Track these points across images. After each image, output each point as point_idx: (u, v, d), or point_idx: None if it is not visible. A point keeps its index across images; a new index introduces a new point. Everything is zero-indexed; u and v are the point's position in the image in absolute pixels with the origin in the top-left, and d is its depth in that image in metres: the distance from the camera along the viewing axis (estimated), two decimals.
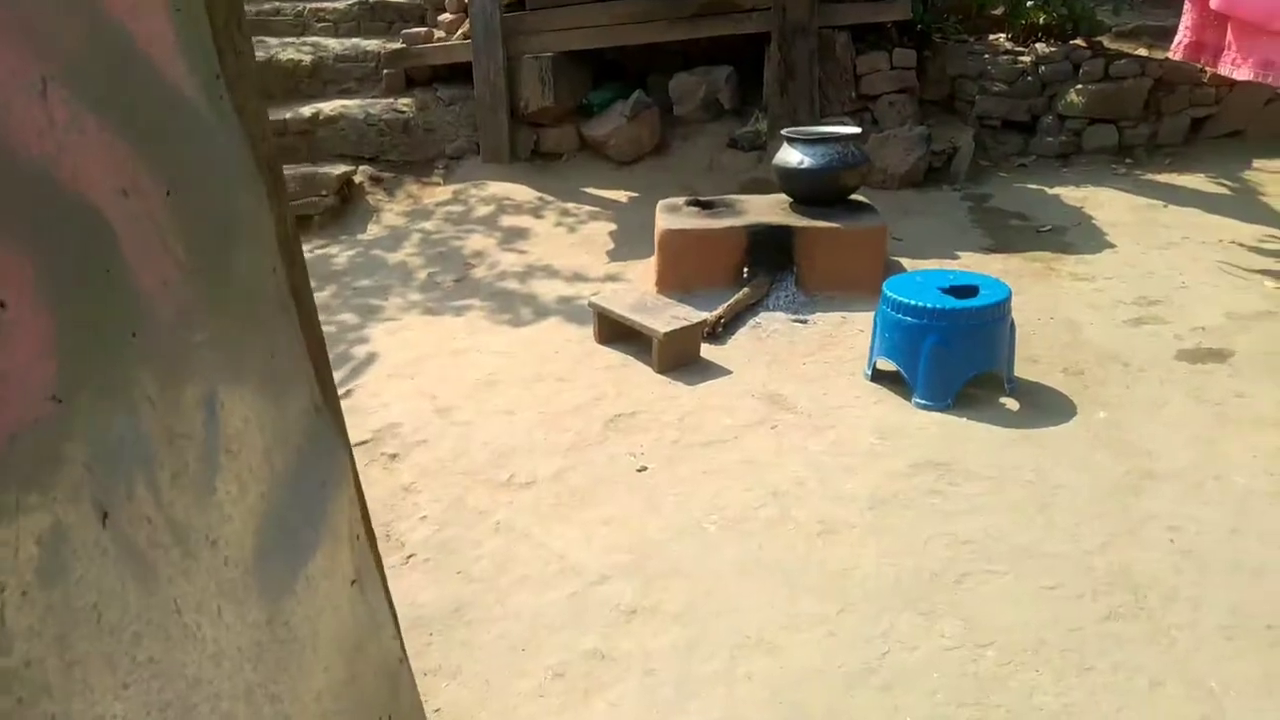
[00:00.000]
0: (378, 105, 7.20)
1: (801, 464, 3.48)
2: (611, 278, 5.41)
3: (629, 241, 5.85)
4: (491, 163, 7.07)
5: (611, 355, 4.47)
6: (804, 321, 4.69)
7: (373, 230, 6.42)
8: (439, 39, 7.33)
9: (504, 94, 6.94)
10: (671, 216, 5.08)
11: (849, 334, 4.56)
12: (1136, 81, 6.84)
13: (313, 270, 6.01)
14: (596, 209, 6.44)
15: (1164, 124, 6.88)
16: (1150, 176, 6.52)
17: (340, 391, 4.35)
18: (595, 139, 7.03)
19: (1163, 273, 5.02)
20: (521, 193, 6.70)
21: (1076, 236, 5.65)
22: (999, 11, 7.57)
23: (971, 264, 5.31)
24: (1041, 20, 7.15)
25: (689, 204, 5.23)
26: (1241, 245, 5.32)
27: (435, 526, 3.25)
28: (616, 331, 4.52)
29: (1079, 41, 7.13)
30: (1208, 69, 4.75)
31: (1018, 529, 3.05)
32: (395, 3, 7.75)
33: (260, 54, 7.32)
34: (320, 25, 7.78)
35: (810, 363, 4.30)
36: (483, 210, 6.47)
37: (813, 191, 5.05)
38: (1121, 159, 6.86)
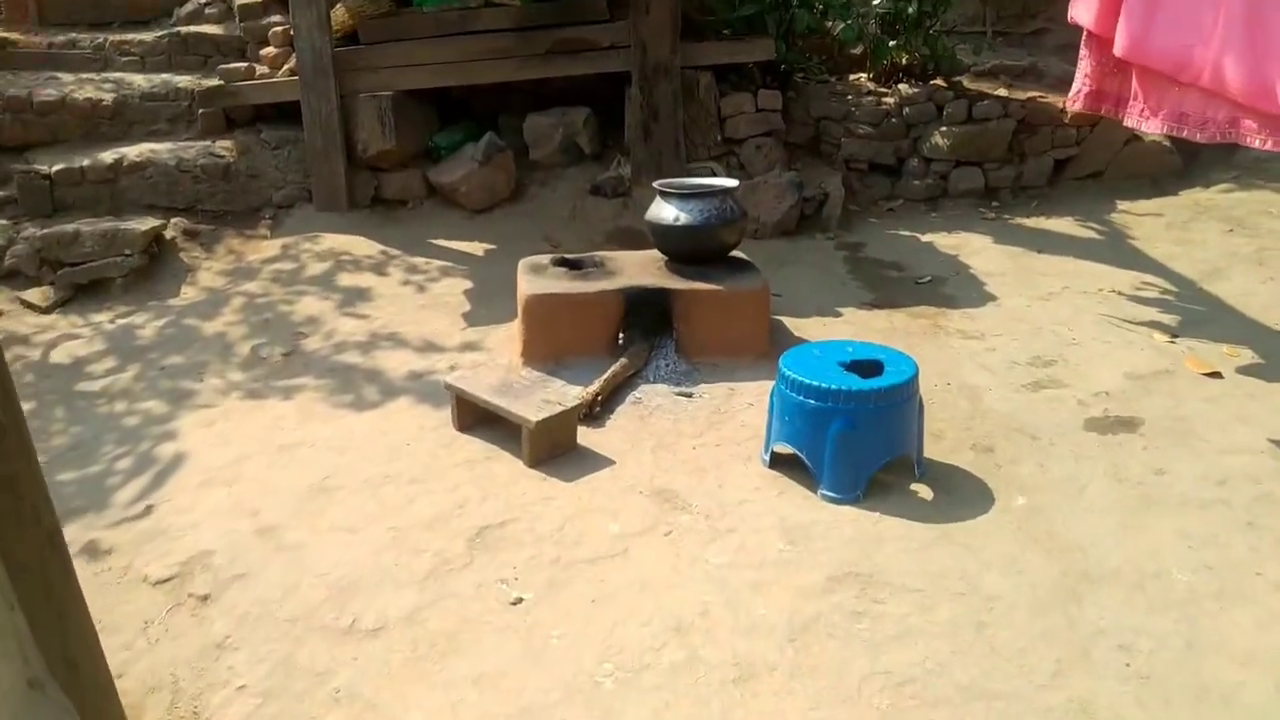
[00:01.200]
0: (192, 149, 6.37)
1: (705, 582, 2.98)
2: (470, 346, 4.81)
3: (487, 301, 5.26)
4: (327, 212, 6.34)
5: (474, 445, 3.87)
6: (689, 395, 4.22)
7: (187, 294, 5.59)
8: (262, 75, 6.57)
9: (339, 136, 6.24)
10: (536, 279, 4.53)
11: (738, 408, 4.11)
12: (1000, 123, 6.76)
13: (115, 346, 5.16)
14: (448, 264, 5.82)
15: (1028, 165, 6.82)
16: (1019, 220, 6.41)
17: (140, 508, 3.60)
18: (444, 185, 6.41)
19: (1050, 328, 4.81)
20: (362, 246, 6.01)
21: (957, 288, 5.42)
22: (859, 51, 7.41)
23: (855, 321, 4.99)
24: (904, 60, 7.00)
25: (555, 263, 4.69)
26: (1121, 294, 5.19)
27: (256, 699, 2.57)
28: (479, 415, 3.93)
29: (940, 81, 7.02)
30: (1111, 118, 4.55)
31: (958, 660, 2.63)
32: (211, 35, 6.93)
33: (52, 92, 6.38)
34: (125, 60, 6.87)
35: (700, 446, 3.82)
36: (317, 268, 5.74)
37: (690, 250, 4.61)
38: (988, 202, 6.75)
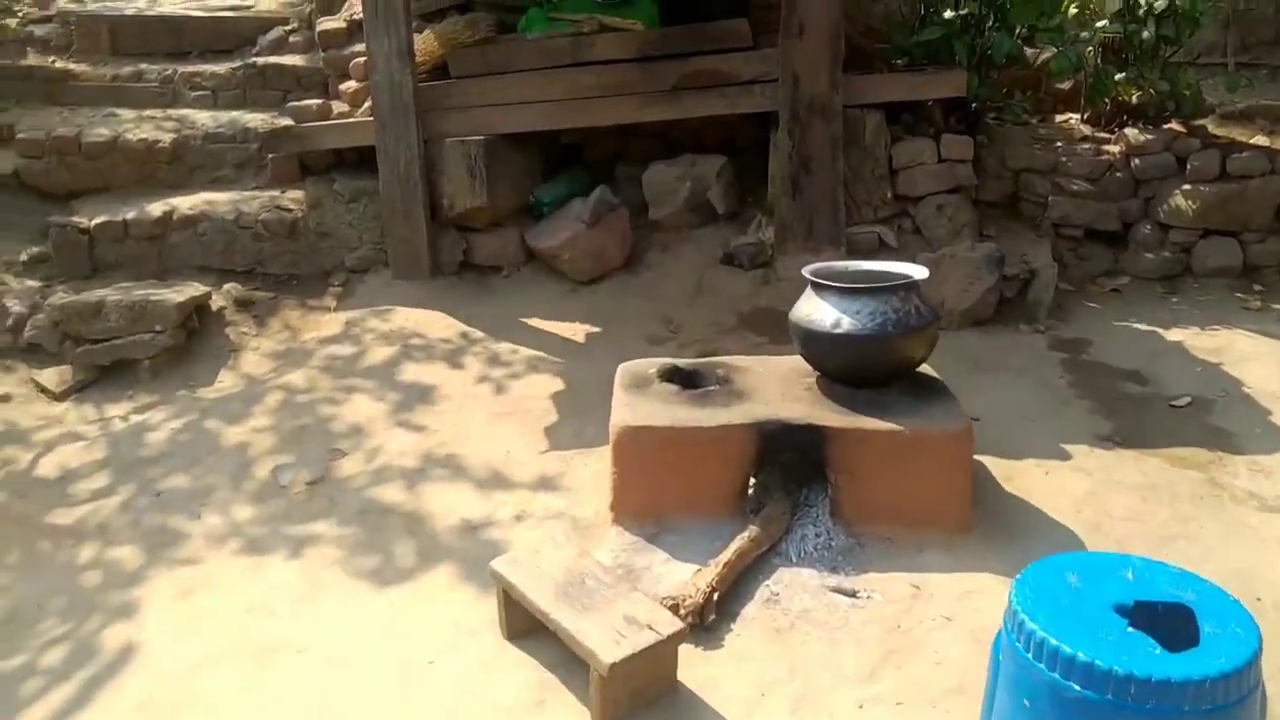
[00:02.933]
0: (256, 200, 5.41)
1: None
2: (546, 484, 3.57)
3: (578, 413, 4.02)
4: (405, 280, 5.26)
5: (523, 672, 2.61)
6: (851, 595, 2.85)
7: (223, 382, 4.57)
8: (340, 114, 5.58)
9: (420, 189, 5.16)
10: (636, 401, 3.25)
11: (928, 625, 2.71)
12: (1264, 181, 5.12)
13: (115, 454, 4.04)
14: (538, 354, 4.62)
15: None
16: None
17: None
18: (545, 250, 5.23)
19: None
20: (438, 325, 4.88)
21: (1230, 417, 3.85)
22: (1069, 85, 5.88)
23: (1091, 469, 3.50)
24: (1132, 98, 5.44)
25: (663, 376, 3.40)
26: None
27: None
28: (536, 619, 2.66)
29: (1178, 126, 5.42)
30: None
31: None
32: (291, 67, 6.00)
33: (104, 132, 5.55)
34: (194, 95, 6.02)
35: (872, 704, 2.44)
36: (379, 353, 4.63)
37: (856, 368, 3.24)
38: (1249, 285, 5.11)
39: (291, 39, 6.21)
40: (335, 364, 4.57)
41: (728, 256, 5.22)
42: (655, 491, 3.16)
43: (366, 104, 5.41)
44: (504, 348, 4.68)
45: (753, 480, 3.19)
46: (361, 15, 5.61)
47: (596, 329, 4.87)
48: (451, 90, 5.20)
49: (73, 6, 6.65)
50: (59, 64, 6.12)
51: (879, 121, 5.16)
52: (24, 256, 5.20)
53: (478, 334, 4.82)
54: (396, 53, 4.96)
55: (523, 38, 5.28)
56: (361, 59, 5.56)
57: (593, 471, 3.56)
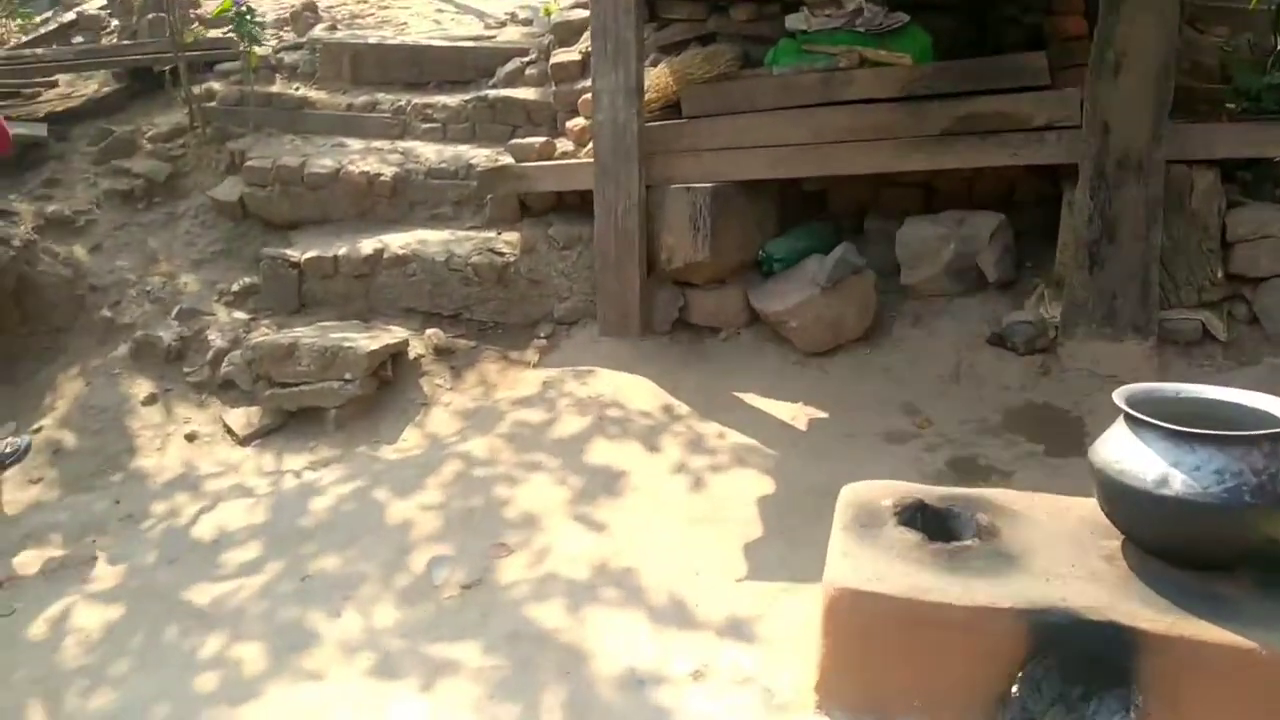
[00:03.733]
0: (469, 242, 5.04)
1: None
2: (735, 630, 2.83)
3: (788, 531, 3.25)
4: (613, 336, 4.69)
5: None
6: None
7: (406, 441, 4.18)
8: (564, 153, 5.12)
9: (637, 239, 4.58)
10: (862, 548, 2.44)
11: None
12: None
13: (275, 520, 3.49)
14: (750, 441, 3.89)
15: None
16: None
17: None
18: (771, 314, 4.50)
19: None
20: (641, 394, 4.27)
21: None
22: None
23: None
24: None
25: (901, 517, 2.57)
26: None
27: None
28: None
29: None
30: None
31: None
32: (523, 101, 5.63)
33: (328, 163, 5.38)
34: (424, 127, 5.78)
35: None
36: (571, 424, 4.06)
37: (1189, 545, 2.27)
38: None
39: (528, 71, 5.85)
40: (523, 431, 4.04)
41: (997, 336, 4.28)
42: (877, 680, 2.33)
43: (589, 147, 4.91)
44: (710, 429, 3.99)
45: (1016, 683, 2.30)
46: None
47: (823, 414, 4.08)
48: (682, 131, 4.59)
49: (323, 34, 6.67)
50: (300, 91, 6.08)
51: (1211, 182, 4.05)
52: (236, 286, 5.09)
53: (683, 409, 4.16)
54: (623, 90, 4.41)
55: (768, 73, 4.59)
56: (588, 95, 5.08)
57: (798, 620, 2.78)
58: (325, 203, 5.35)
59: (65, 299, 4.95)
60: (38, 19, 8.10)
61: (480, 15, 7.17)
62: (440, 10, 7.39)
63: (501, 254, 4.97)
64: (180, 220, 5.50)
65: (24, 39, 7.48)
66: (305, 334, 4.54)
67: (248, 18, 5.71)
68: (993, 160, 4.29)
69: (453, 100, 5.82)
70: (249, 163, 5.43)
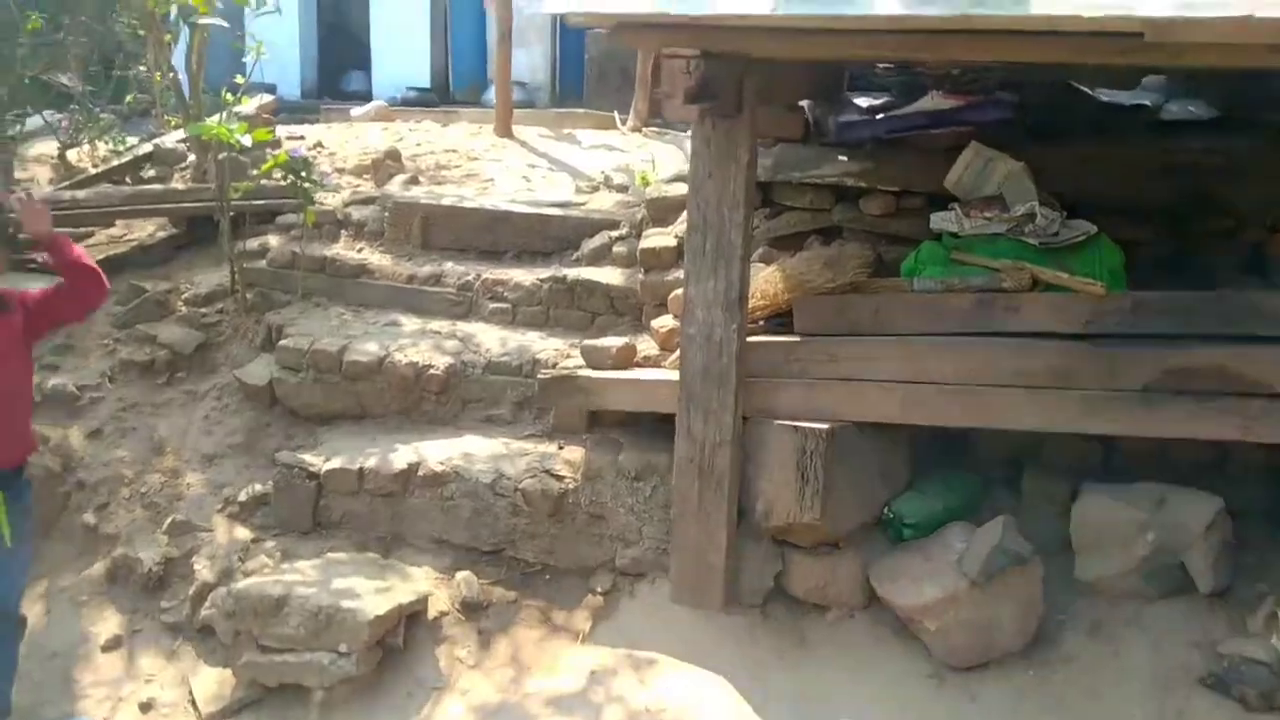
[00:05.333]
0: (523, 458, 4.12)
1: None
2: None
3: None
4: (687, 604, 3.65)
5: None
6: None
7: None
8: (643, 358, 4.21)
9: (727, 483, 3.58)
10: None
11: None
12: None
13: None
14: None
15: None
16: None
17: None
18: (900, 606, 3.40)
19: None
20: (714, 708, 3.18)
21: None
22: None
23: None
24: None
25: None
26: None
27: None
28: None
29: None
30: None
31: None
32: (606, 286, 4.77)
33: (372, 349, 4.56)
34: (492, 307, 4.96)
35: None
36: None
37: None
38: None
39: (616, 249, 5.02)
40: None
41: (1215, 679, 3.07)
42: None
43: (676, 355, 3.99)
44: None
45: None
46: None
47: None
48: (792, 352, 3.62)
49: (397, 190, 6.02)
50: (361, 254, 5.37)
51: None
52: (244, 495, 4.25)
53: None
54: (722, 301, 3.48)
55: (906, 285, 3.62)
56: (680, 290, 4.19)
57: None
58: (364, 396, 4.52)
59: (47, 497, 4.18)
60: (128, 143, 7.78)
61: (574, 174, 6.46)
62: (532, 165, 6.73)
63: (559, 477, 4.02)
64: (200, 402, 4.75)
65: (93, 170, 7.09)
66: (303, 578, 3.63)
67: (303, 173, 5.04)
68: (1214, 432, 3.19)
69: (527, 278, 5.00)
70: (284, 341, 4.68)
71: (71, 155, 7.67)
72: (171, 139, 7.23)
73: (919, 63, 3.74)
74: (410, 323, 4.91)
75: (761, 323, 3.80)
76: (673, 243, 4.54)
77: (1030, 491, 3.73)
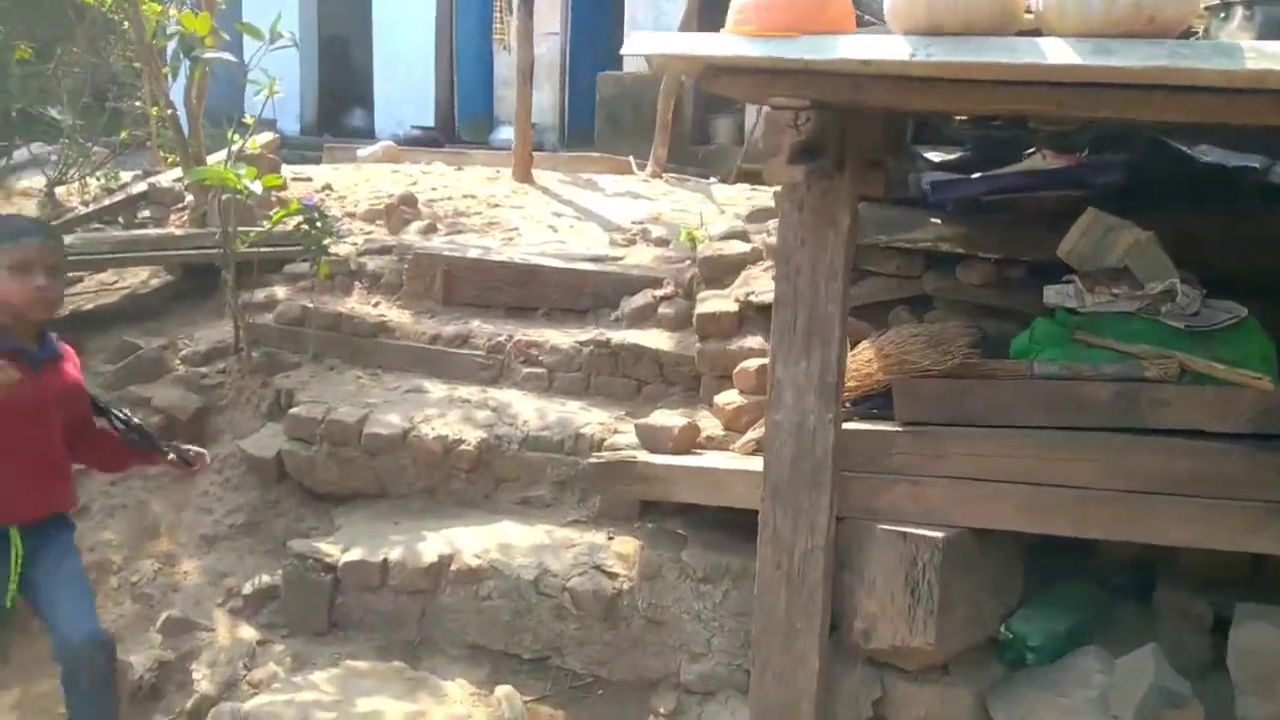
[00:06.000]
0: (567, 552, 3.62)
1: None
2: None
3: None
4: None
5: None
6: None
7: None
8: (709, 440, 3.73)
9: (820, 596, 3.08)
10: None
11: None
12: None
13: None
14: None
15: None
16: None
17: None
18: None
19: None
20: None
21: None
22: None
23: None
24: None
25: None
26: None
27: None
28: None
29: None
30: None
31: None
32: (653, 351, 4.31)
33: (394, 420, 4.07)
34: (527, 372, 4.48)
35: None
36: None
37: None
38: None
39: (661, 310, 4.56)
40: None
41: None
42: None
43: (750, 435, 3.53)
44: None
45: None
46: (760, 296, 3.85)
47: None
48: (895, 445, 3.14)
49: (415, 238, 5.56)
50: (376, 310, 4.89)
51: None
52: (249, 587, 3.73)
53: None
54: (817, 386, 3.00)
55: (1024, 369, 3.16)
56: (753, 361, 3.73)
57: None
58: (385, 473, 4.02)
59: None
60: (121, 180, 7.30)
61: (604, 224, 6.02)
62: (557, 214, 6.29)
63: (612, 575, 3.52)
64: (199, 477, 4.22)
65: (83, 209, 6.59)
66: (320, 697, 3.10)
67: (318, 224, 4.57)
68: None
69: (564, 340, 4.53)
70: (295, 409, 4.17)
71: (61, 191, 7.19)
72: (168, 177, 6.75)
73: (1041, 117, 3.33)
74: (435, 389, 4.42)
75: (848, 405, 3.34)
76: (734, 308, 4.08)
77: (1165, 607, 3.25)
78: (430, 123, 12.28)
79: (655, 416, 3.82)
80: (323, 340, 4.68)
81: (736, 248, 4.41)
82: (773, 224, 4.30)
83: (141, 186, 6.80)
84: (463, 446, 3.97)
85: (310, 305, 4.76)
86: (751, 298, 3.99)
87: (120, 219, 6.63)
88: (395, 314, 4.89)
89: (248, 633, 3.58)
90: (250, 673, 3.39)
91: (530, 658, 3.52)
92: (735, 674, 3.34)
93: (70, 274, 5.50)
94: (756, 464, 3.29)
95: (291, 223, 4.58)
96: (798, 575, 3.10)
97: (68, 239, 5.34)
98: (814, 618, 3.11)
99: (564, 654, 3.52)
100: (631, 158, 9.05)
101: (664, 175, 8.42)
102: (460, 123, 12.70)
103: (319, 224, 4.61)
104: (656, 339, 4.43)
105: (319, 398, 4.25)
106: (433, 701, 3.18)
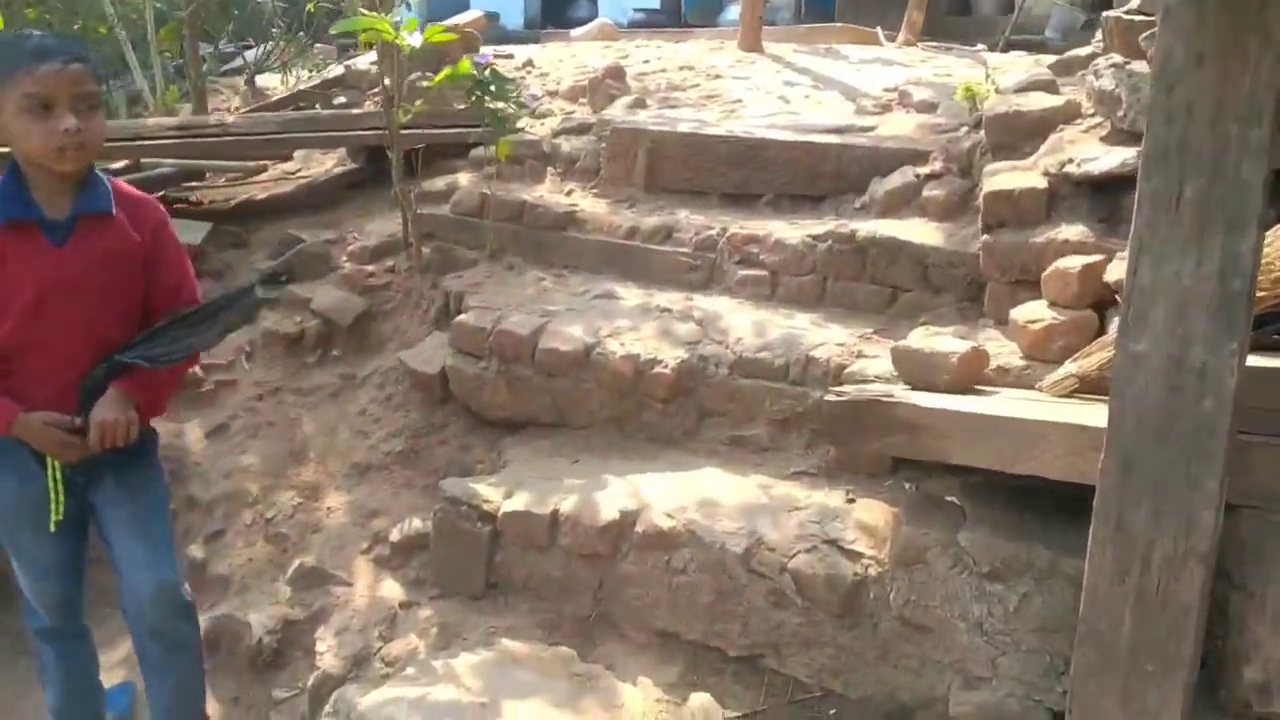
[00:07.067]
0: (790, 517, 2.66)
1: None
2: None
3: None
4: None
5: None
6: None
7: None
8: (996, 369, 2.61)
9: (1191, 622, 1.94)
10: None
11: None
12: None
13: None
14: None
15: None
16: None
17: None
18: None
19: None
20: None
21: None
22: None
23: None
24: None
25: None
26: None
27: None
28: None
29: None
30: None
31: None
32: (917, 246, 3.18)
33: (577, 331, 3.22)
34: (743, 274, 3.46)
35: None
36: None
37: None
38: None
39: (927, 191, 3.42)
40: None
41: None
42: None
43: (1069, 368, 2.38)
44: None
45: None
46: (1083, 165, 2.65)
47: None
48: None
49: (619, 113, 4.63)
50: (567, 199, 4.03)
51: None
52: (397, 533, 3.03)
53: None
54: (1212, 298, 1.82)
55: None
56: (1073, 260, 2.55)
57: None
58: (564, 398, 3.19)
59: None
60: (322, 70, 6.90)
61: (848, 93, 4.84)
62: (790, 84, 5.15)
63: (854, 555, 2.53)
64: (358, 391, 3.59)
65: (273, 97, 6.16)
66: (461, 696, 2.35)
67: (491, 86, 3.71)
68: None
69: (793, 234, 3.48)
70: (462, 316, 3.41)
71: (268, 81, 6.86)
72: (365, 60, 6.17)
73: None
74: (630, 295, 3.53)
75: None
76: (1040, 183, 2.88)
77: None
78: (656, 4, 11.31)
79: (920, 338, 2.73)
80: (502, 234, 3.89)
81: (1041, 101, 3.17)
82: (1099, 65, 3.03)
83: (338, 70, 6.29)
84: (659, 369, 3.07)
85: (489, 193, 3.96)
86: (1069, 168, 2.77)
87: (317, 105, 6.16)
88: (588, 203, 4.01)
89: (390, 590, 2.90)
90: (386, 645, 2.70)
91: (737, 655, 2.62)
92: (1033, 713, 2.30)
93: (250, 160, 5.04)
94: (1083, 413, 2.17)
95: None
96: (1155, 592, 1.98)
97: (230, 119, 4.86)
98: (1177, 658, 1.99)
99: (783, 655, 2.59)
100: (879, 29, 7.69)
101: (919, 45, 7.04)
102: (687, 5, 11.61)
103: (497, 90, 3.75)
104: (919, 230, 3.31)
105: (491, 303, 3.47)
106: (602, 714, 2.35)
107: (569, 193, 4.16)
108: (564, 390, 3.20)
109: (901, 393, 2.51)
